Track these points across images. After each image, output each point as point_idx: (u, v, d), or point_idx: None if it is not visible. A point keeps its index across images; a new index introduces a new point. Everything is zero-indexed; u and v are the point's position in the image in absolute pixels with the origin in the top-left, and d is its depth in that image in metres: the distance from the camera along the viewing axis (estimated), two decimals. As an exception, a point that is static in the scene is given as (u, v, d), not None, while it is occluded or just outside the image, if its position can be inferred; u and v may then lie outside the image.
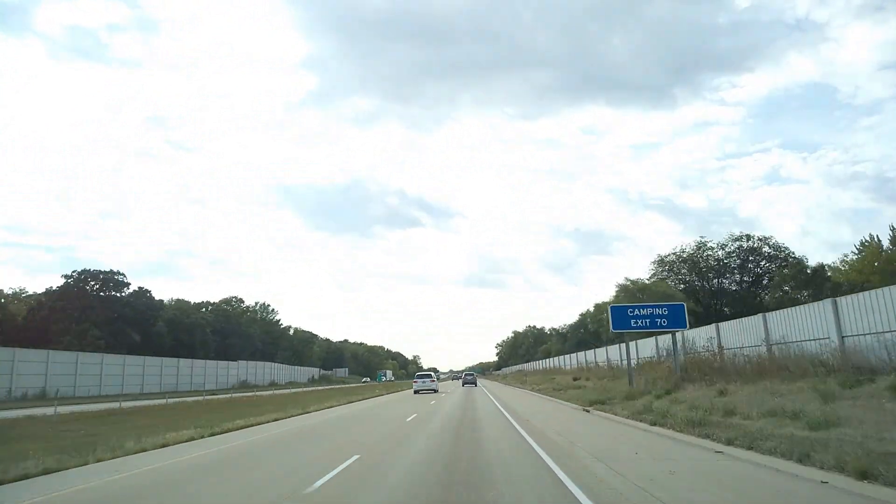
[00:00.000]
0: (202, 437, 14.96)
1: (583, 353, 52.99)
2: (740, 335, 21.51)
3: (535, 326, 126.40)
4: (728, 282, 48.41)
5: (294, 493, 7.20)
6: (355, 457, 10.07)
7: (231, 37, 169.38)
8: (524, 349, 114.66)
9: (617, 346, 37.82)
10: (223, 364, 71.83)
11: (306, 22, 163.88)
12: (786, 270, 42.23)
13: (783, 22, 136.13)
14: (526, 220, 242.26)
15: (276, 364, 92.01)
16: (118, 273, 63.79)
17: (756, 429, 9.99)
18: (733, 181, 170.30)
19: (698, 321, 32.99)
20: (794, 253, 46.23)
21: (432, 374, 55.34)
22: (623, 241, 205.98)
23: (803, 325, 17.40)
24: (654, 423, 13.13)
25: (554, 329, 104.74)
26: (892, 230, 37.05)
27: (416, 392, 44.44)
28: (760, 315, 20.49)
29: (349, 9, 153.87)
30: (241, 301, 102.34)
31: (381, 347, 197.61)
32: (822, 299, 18.44)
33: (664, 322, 22.48)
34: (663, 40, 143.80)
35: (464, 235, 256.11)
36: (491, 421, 17.17)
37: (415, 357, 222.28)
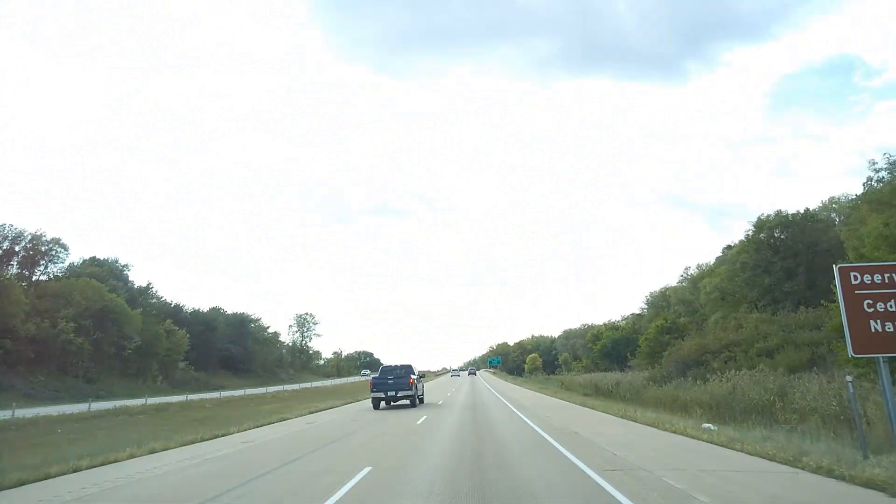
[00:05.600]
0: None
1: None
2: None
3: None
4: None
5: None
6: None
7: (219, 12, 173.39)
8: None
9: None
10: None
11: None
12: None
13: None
14: (523, 216, 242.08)
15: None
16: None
17: None
18: (746, 171, 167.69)
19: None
20: None
21: (459, 371, 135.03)
22: (622, 233, 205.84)
23: None
24: None
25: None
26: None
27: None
28: None
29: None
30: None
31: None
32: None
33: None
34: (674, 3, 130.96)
35: (457, 229, 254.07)
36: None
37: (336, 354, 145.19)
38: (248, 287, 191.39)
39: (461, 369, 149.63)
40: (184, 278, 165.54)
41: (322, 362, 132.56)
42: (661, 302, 73.03)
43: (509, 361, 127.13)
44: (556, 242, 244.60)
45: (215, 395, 45.13)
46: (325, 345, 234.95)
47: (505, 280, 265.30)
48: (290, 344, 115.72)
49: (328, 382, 72.28)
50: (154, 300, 58.83)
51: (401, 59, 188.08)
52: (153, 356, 52.77)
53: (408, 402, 26.08)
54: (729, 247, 54.05)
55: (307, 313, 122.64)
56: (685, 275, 66.75)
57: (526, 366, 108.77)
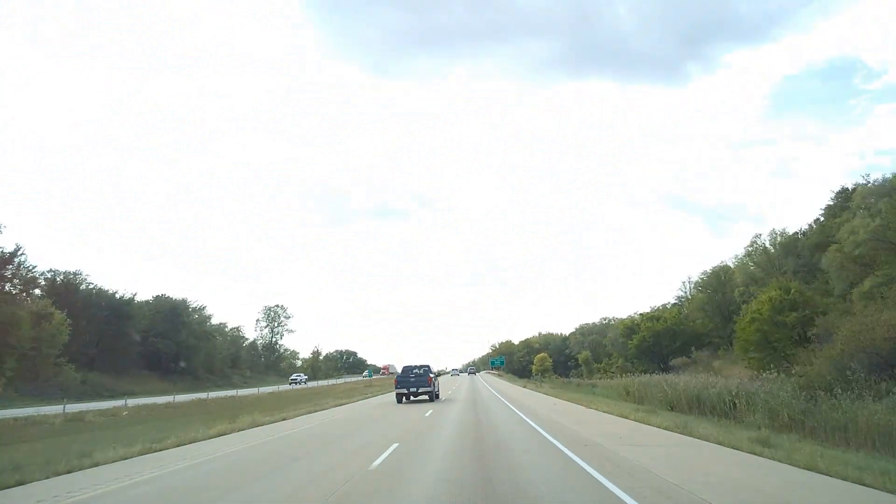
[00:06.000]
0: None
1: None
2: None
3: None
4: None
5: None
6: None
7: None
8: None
9: None
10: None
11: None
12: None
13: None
14: (523, 216, 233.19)
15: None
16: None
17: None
18: (745, 172, 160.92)
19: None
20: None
21: (459, 371, 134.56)
22: (622, 232, 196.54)
23: None
24: None
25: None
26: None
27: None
28: None
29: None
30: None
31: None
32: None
33: None
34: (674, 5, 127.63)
35: (457, 229, 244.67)
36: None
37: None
38: (249, 287, 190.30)
39: (461, 371, 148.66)
40: (184, 278, 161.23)
41: (300, 362, 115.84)
42: (714, 283, 57.11)
43: (514, 362, 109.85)
44: (556, 242, 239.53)
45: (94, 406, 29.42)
46: (315, 344, 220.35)
47: (505, 280, 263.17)
48: (259, 341, 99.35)
49: (270, 389, 55.18)
50: (21, 272, 40.47)
51: (400, 59, 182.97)
52: (7, 349, 36.13)
53: (426, 397, 29.20)
54: (845, 189, 38.37)
55: (278, 305, 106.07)
56: (755, 244, 50.40)
57: (534, 367, 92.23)
